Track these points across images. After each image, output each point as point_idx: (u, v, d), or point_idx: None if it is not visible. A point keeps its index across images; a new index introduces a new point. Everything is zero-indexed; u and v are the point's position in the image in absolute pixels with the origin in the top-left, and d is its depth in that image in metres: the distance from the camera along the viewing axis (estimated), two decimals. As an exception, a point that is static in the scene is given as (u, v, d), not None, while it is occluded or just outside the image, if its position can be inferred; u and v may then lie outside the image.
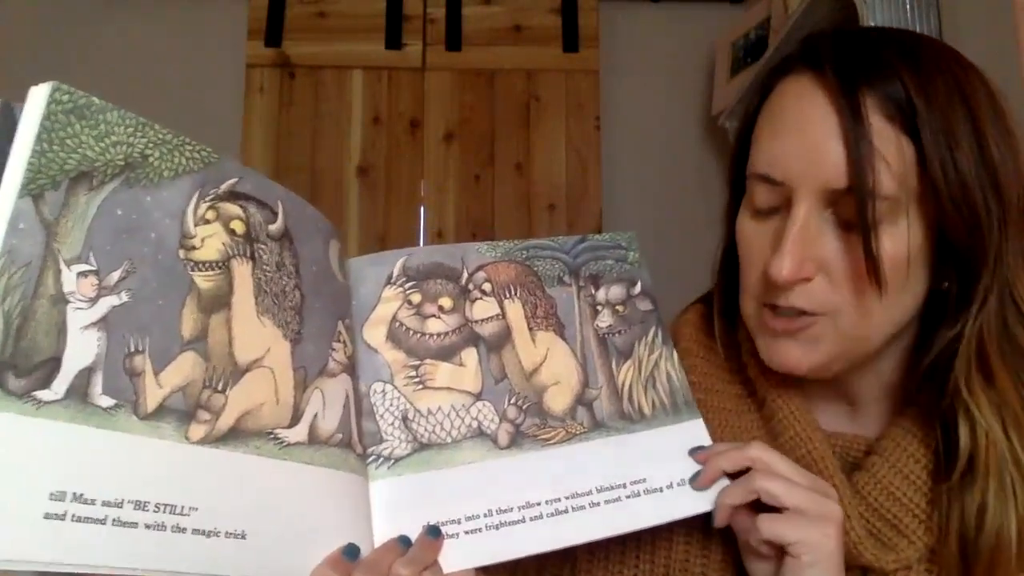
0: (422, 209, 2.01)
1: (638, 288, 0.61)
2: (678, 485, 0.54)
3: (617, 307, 0.60)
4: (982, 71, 0.55)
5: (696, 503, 0.53)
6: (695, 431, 0.57)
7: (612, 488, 0.53)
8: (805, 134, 0.52)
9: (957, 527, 0.53)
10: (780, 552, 0.51)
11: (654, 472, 0.54)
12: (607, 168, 2.04)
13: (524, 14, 2.06)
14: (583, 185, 2.02)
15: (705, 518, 0.54)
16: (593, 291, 0.60)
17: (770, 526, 0.51)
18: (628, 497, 0.53)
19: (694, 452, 0.55)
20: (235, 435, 0.44)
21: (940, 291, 0.55)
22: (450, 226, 2.00)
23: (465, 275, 0.57)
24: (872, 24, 1.24)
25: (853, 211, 0.50)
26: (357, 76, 2.03)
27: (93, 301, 0.40)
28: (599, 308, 0.60)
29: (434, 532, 0.49)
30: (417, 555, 0.47)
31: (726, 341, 0.64)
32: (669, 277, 2.40)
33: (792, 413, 0.59)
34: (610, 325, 0.59)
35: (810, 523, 0.50)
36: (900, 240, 0.51)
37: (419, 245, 1.98)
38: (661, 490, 0.53)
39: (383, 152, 2.01)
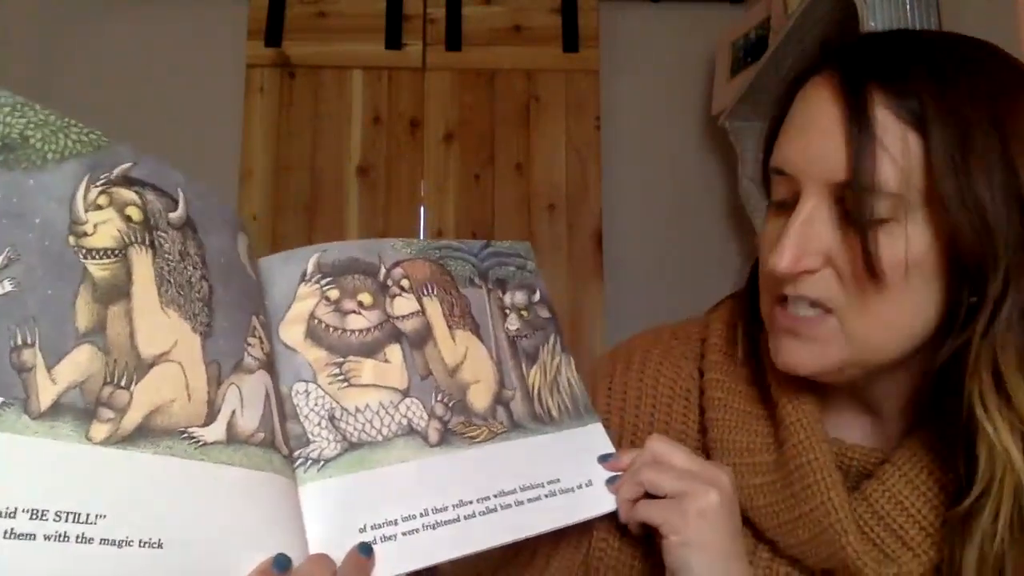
0: (422, 209, 2.01)
1: (537, 296, 0.63)
2: (587, 486, 0.56)
3: (522, 312, 0.62)
4: None
5: (604, 502, 0.56)
6: (596, 434, 0.60)
7: (533, 487, 0.54)
8: (811, 128, 0.52)
9: (973, 559, 0.51)
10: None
11: (565, 473, 0.56)
12: (607, 168, 2.04)
13: (524, 14, 2.06)
14: (583, 185, 2.02)
15: None
16: (501, 294, 0.61)
17: (640, 510, 0.54)
18: (546, 496, 0.54)
19: (603, 460, 0.58)
20: (144, 434, 0.40)
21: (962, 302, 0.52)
22: (450, 226, 2.00)
23: (383, 271, 0.56)
24: (872, 24, 1.23)
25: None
26: (357, 76, 2.03)
27: None
28: (507, 312, 0.61)
29: (365, 550, 0.46)
30: (348, 574, 0.45)
31: (747, 344, 0.64)
32: (669, 276, 2.40)
33: (799, 420, 0.58)
34: (518, 328, 0.61)
35: (676, 506, 0.52)
36: (901, 239, 0.50)
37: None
38: (573, 490, 0.55)
39: (383, 152, 2.01)
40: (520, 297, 0.62)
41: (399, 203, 2.01)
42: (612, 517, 0.57)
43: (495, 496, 0.52)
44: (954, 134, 0.48)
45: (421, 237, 1.99)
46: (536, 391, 0.59)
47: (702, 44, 2.09)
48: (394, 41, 2.03)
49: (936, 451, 0.56)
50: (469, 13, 2.05)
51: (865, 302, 0.52)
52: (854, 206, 0.49)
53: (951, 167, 0.48)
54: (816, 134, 0.52)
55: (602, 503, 0.56)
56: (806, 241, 0.52)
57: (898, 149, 0.49)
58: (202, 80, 2.05)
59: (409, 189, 2.01)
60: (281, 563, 0.43)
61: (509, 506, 0.52)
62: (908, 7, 1.23)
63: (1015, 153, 0.49)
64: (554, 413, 0.59)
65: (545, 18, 2.06)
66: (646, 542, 0.61)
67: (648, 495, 0.55)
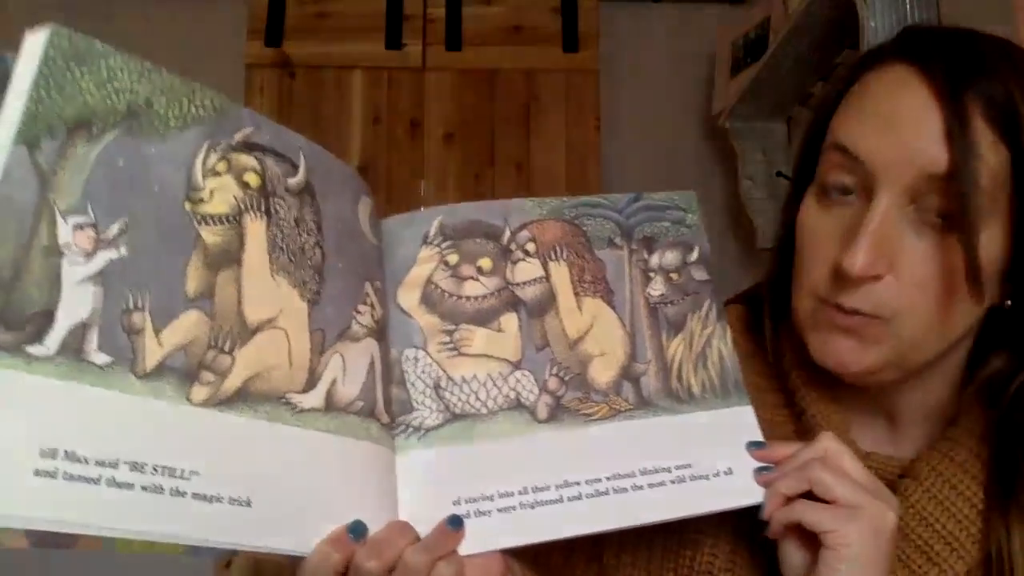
0: (422, 209, 2.01)
1: (695, 255, 0.56)
2: (725, 474, 0.50)
3: (671, 275, 0.55)
4: None
5: (745, 494, 0.49)
6: (744, 418, 0.53)
7: (656, 471, 0.49)
8: (901, 124, 0.49)
9: None
10: (812, 543, 0.48)
11: (700, 458, 0.50)
12: (607, 168, 2.04)
13: (524, 14, 2.06)
14: (583, 185, 2.01)
15: (735, 522, 0.52)
16: (646, 255, 0.55)
17: (810, 511, 0.47)
18: (673, 482, 0.49)
19: (754, 447, 0.51)
20: (243, 398, 0.41)
21: (999, 308, 0.52)
22: (450, 226, 2.00)
23: (507, 234, 0.53)
24: (872, 24, 1.24)
25: (942, 204, 0.48)
26: (357, 76, 2.03)
27: (90, 255, 0.38)
28: (651, 275, 0.55)
29: (455, 523, 0.45)
30: (434, 543, 0.44)
31: (774, 344, 0.61)
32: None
33: (827, 427, 0.56)
34: (662, 294, 0.54)
35: (855, 518, 0.46)
36: (988, 246, 0.48)
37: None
38: (708, 478, 0.49)
39: (383, 152, 2.01)
40: (671, 257, 0.55)
41: (399, 203, 2.01)
42: (621, 531, 0.51)
43: (608, 479, 0.48)
44: None
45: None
46: (676, 365, 0.53)
47: (702, 44, 2.09)
48: (394, 41, 2.03)
49: (958, 463, 0.55)
50: (469, 13, 2.05)
51: (930, 309, 0.50)
52: (962, 208, 0.47)
53: None
54: (908, 132, 0.49)
55: (743, 495, 0.49)
56: (883, 241, 0.49)
57: (990, 158, 0.48)
58: (202, 80, 2.05)
59: (409, 189, 2.01)
60: (357, 529, 0.43)
61: (624, 490, 0.48)
62: (908, 7, 1.23)
63: None
64: (695, 390, 0.53)
65: (545, 18, 2.06)
66: (665, 556, 0.58)
67: (806, 496, 0.48)
